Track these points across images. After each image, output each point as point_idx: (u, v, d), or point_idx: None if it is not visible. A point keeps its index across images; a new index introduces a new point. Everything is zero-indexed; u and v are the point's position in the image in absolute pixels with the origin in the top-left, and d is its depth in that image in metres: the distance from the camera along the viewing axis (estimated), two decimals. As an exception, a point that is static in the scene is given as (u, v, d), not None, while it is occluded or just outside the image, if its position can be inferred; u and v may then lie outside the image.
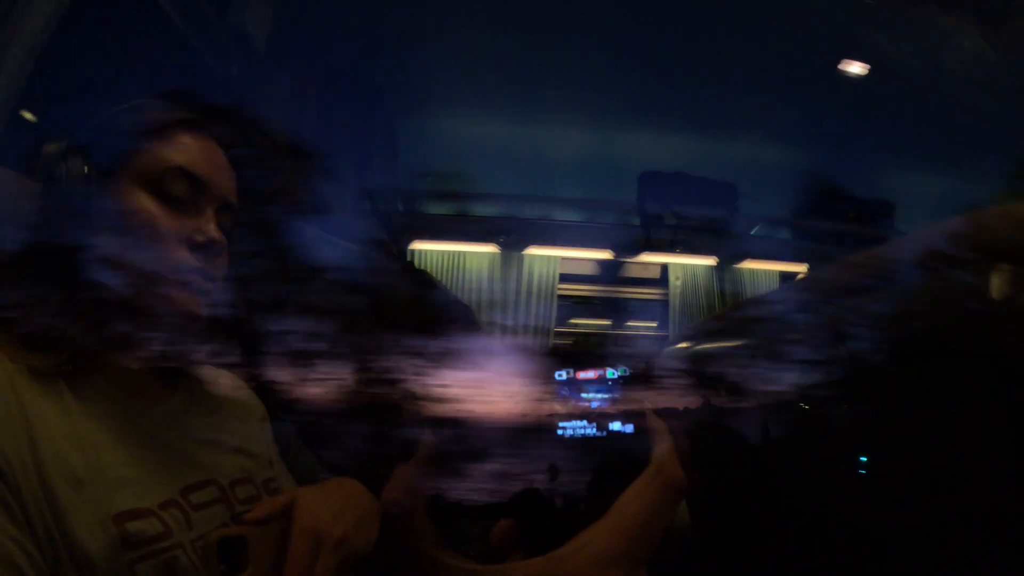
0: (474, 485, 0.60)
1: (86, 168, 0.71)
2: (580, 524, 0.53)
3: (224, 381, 0.90)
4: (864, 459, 0.69)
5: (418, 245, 3.86)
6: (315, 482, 0.80)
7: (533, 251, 4.02)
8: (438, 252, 3.99)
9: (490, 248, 4.03)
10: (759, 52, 2.34)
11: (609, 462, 0.55)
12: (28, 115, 1.15)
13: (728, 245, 3.09)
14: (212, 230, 0.75)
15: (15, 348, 0.64)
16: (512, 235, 3.91)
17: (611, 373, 0.57)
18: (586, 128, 3.39)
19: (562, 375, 0.57)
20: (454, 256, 4.05)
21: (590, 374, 0.57)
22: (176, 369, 0.80)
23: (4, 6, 0.85)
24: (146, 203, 0.71)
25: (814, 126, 2.56)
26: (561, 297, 4.08)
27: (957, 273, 0.66)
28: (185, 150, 0.76)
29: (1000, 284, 0.65)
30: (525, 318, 4.04)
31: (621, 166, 3.33)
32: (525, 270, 4.09)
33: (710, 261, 3.43)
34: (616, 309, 4.09)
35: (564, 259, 4.09)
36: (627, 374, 0.57)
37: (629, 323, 4.33)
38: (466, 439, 0.61)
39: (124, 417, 0.70)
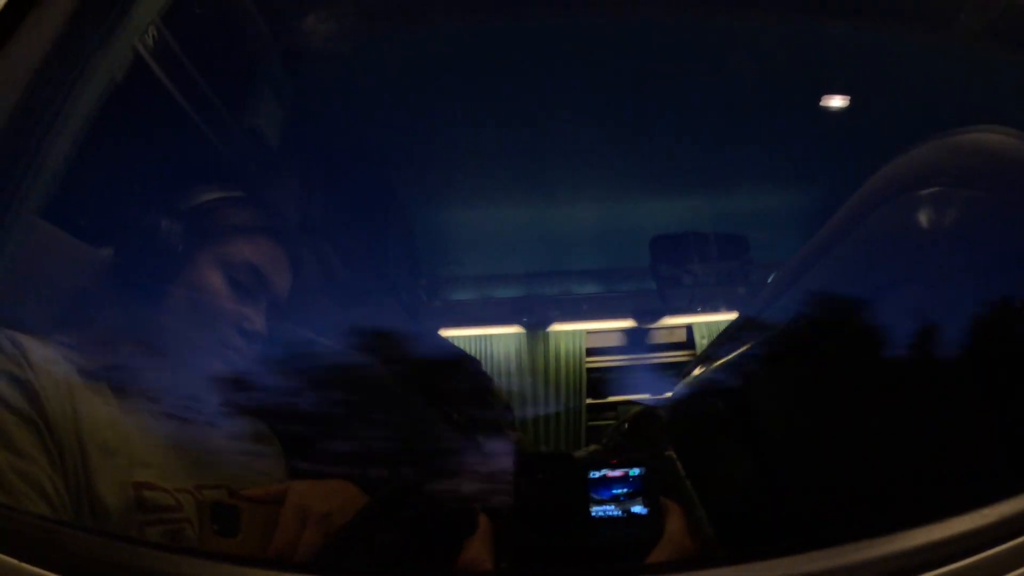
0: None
1: (174, 239, 0.86)
2: None
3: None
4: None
5: (444, 332, 3.92)
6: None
7: (558, 327, 4.06)
8: (463, 337, 4.04)
9: (515, 329, 4.08)
10: (747, 103, 2.43)
11: (631, 537, 0.65)
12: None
13: (747, 296, 3.09)
14: (260, 323, 0.90)
15: (70, 351, 0.79)
16: (535, 314, 3.97)
17: (633, 471, 0.69)
18: (595, 201, 3.48)
19: (595, 474, 0.69)
20: (480, 340, 4.10)
21: (616, 473, 0.69)
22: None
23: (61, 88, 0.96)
24: (216, 282, 0.86)
25: (810, 164, 2.62)
26: (591, 370, 4.09)
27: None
28: (260, 251, 0.91)
29: (930, 212, 0.67)
30: (556, 395, 4.03)
31: (633, 233, 3.40)
32: (552, 347, 4.12)
33: (733, 316, 3.42)
34: (648, 377, 4.07)
35: (589, 332, 4.12)
36: (646, 472, 0.69)
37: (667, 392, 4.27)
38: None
39: (152, 424, 0.82)
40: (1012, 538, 0.40)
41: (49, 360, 0.80)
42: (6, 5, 0.79)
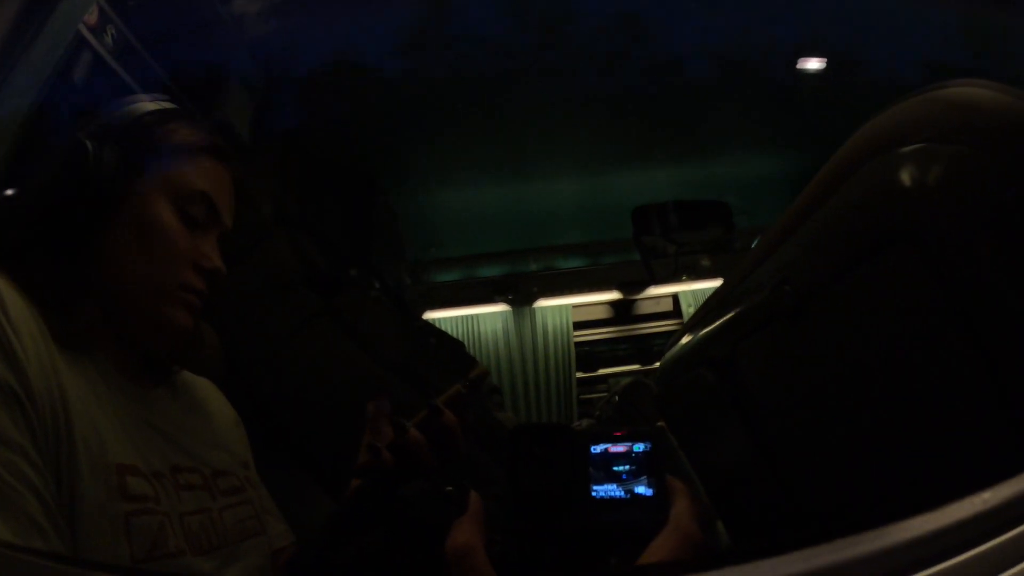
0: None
1: (116, 160, 0.72)
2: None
3: (202, 384, 0.92)
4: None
5: (429, 315, 3.90)
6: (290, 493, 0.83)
7: (543, 303, 4.05)
8: (450, 318, 4.03)
9: (501, 307, 4.07)
10: (724, 67, 2.40)
11: (635, 520, 0.61)
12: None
13: (731, 263, 3.08)
14: (218, 259, 0.79)
15: (42, 309, 0.65)
16: (520, 291, 3.96)
17: (637, 447, 0.64)
18: (575, 175, 3.46)
19: (596, 449, 0.64)
20: (466, 320, 4.08)
21: (620, 448, 0.64)
22: (162, 366, 0.81)
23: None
24: (168, 216, 0.74)
25: (790, 127, 2.60)
26: (579, 344, 4.09)
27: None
28: (208, 176, 0.80)
29: (913, 166, 0.64)
30: (545, 370, 4.04)
31: (615, 205, 3.38)
32: (539, 323, 4.11)
33: (718, 283, 3.42)
34: (637, 348, 4.09)
35: (575, 307, 4.11)
36: (651, 449, 0.65)
37: (656, 362, 4.29)
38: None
39: (121, 394, 0.72)
40: (1015, 526, 0.36)
41: (26, 312, 0.64)
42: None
